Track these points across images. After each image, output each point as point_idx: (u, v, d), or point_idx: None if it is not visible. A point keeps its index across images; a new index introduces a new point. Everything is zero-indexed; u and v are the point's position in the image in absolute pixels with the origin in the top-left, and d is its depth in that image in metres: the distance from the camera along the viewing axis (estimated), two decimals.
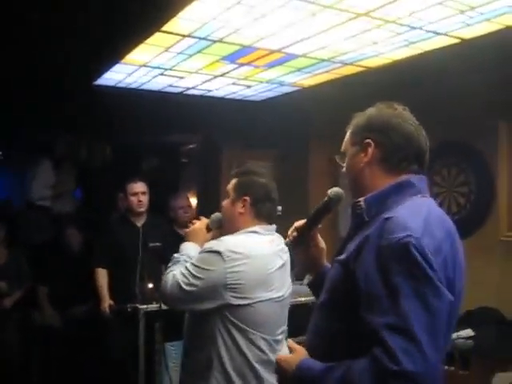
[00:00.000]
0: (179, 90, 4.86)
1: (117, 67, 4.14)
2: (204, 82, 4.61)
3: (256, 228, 2.16)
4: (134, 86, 4.71)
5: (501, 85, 3.91)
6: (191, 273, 2.04)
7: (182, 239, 2.38)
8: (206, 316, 2.06)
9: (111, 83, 4.61)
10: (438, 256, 1.25)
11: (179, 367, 2.31)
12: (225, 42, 3.55)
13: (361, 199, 1.43)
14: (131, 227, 4.02)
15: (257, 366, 2.06)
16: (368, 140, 1.46)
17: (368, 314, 1.24)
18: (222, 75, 4.38)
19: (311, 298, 3.68)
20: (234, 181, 2.24)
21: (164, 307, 2.96)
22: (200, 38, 3.47)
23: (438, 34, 3.35)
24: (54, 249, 4.88)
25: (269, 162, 5.81)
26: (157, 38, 3.46)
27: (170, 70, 4.23)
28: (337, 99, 4.76)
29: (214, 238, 2.30)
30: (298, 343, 1.50)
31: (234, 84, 4.69)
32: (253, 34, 3.38)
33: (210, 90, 4.89)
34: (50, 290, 4.62)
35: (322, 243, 1.71)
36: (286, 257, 2.23)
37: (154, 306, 3.39)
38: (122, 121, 5.19)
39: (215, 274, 2.01)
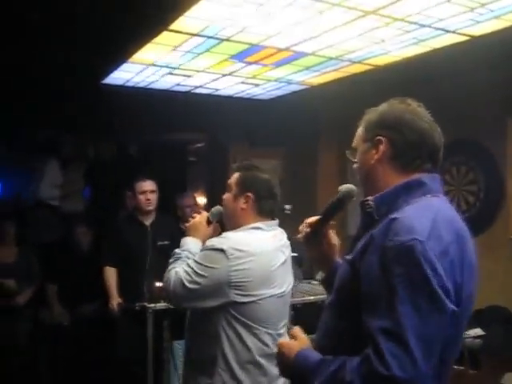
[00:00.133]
0: (187, 88, 4.86)
1: (124, 66, 4.15)
2: (212, 81, 4.61)
3: (259, 224, 2.14)
4: (141, 85, 4.72)
5: (510, 82, 3.88)
6: (194, 270, 2.02)
7: None
8: (209, 314, 2.05)
9: (119, 82, 4.62)
10: (445, 259, 1.22)
11: (182, 365, 2.30)
12: (233, 41, 3.54)
13: (369, 198, 1.41)
14: (139, 226, 4.02)
15: (261, 359, 2.07)
16: (380, 137, 1.42)
17: (366, 314, 1.23)
18: (229, 74, 4.38)
19: (320, 297, 3.69)
20: (236, 175, 2.21)
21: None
22: (208, 37, 3.47)
23: (447, 31, 3.34)
24: (63, 247, 4.90)
25: (277, 161, 5.81)
26: (164, 37, 3.46)
27: (178, 68, 4.23)
28: (345, 97, 4.75)
29: (214, 231, 2.30)
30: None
31: (242, 83, 4.69)
32: (261, 32, 3.38)
33: (217, 89, 4.89)
34: (59, 288, 4.63)
35: (335, 240, 1.69)
36: (288, 252, 2.23)
37: (162, 305, 3.40)
38: (130, 120, 5.20)
39: (219, 272, 2.00)
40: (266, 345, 2.08)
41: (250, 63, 4.08)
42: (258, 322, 2.06)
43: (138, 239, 3.96)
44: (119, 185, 4.97)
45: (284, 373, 1.47)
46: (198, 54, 3.85)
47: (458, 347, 1.36)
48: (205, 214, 2.32)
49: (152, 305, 3.44)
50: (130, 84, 4.67)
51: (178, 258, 2.15)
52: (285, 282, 2.18)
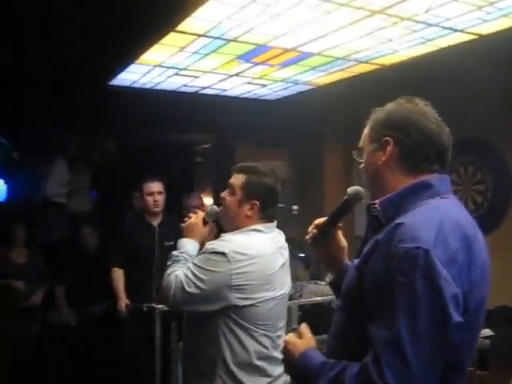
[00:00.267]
0: (194, 89, 4.87)
1: (132, 67, 4.16)
2: (219, 82, 4.62)
3: (259, 226, 2.12)
4: (148, 86, 4.73)
5: None
6: (195, 274, 2.00)
7: None
8: (209, 316, 2.03)
9: (126, 83, 4.63)
10: (452, 266, 1.19)
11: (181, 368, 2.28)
12: (239, 41, 3.55)
13: (376, 201, 1.38)
14: (147, 227, 4.02)
15: (259, 362, 2.06)
16: (387, 138, 1.39)
17: (369, 322, 1.22)
18: (236, 74, 4.38)
19: (327, 298, 3.68)
20: (241, 178, 2.17)
21: None
22: (215, 38, 3.47)
23: (454, 30, 3.32)
24: (71, 248, 4.91)
25: (283, 161, 5.81)
26: (171, 38, 3.47)
27: (185, 69, 4.24)
28: (352, 98, 4.74)
29: (210, 231, 2.28)
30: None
31: (248, 83, 4.69)
32: (267, 32, 3.38)
33: (224, 90, 4.89)
34: (67, 289, 4.65)
35: (343, 242, 1.67)
36: (287, 254, 2.21)
37: None
38: (137, 120, 5.21)
39: (220, 276, 1.98)
40: (265, 347, 2.07)
41: (256, 64, 4.08)
42: (257, 324, 2.04)
43: (145, 240, 3.96)
44: (126, 185, 4.98)
45: (288, 371, 1.47)
46: (205, 55, 3.86)
47: (472, 352, 1.32)
48: (201, 214, 2.27)
49: (160, 306, 3.43)
50: (137, 85, 4.69)
51: (177, 261, 2.12)
52: (284, 284, 2.17)
